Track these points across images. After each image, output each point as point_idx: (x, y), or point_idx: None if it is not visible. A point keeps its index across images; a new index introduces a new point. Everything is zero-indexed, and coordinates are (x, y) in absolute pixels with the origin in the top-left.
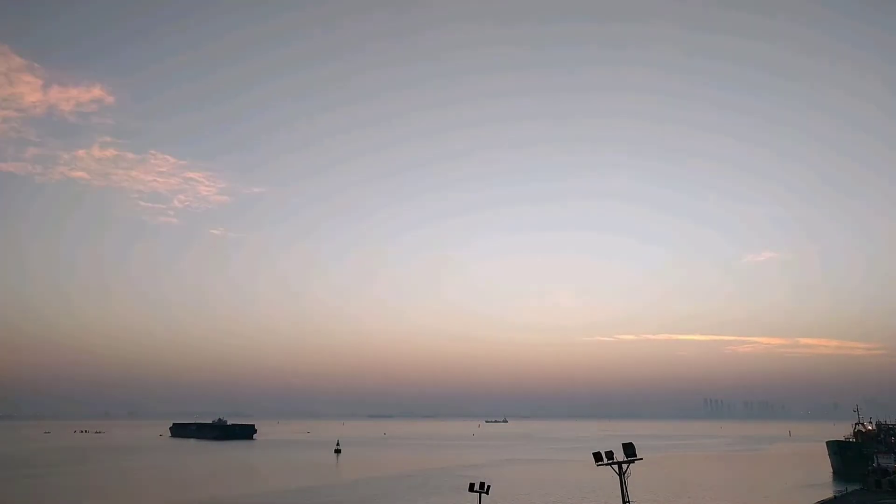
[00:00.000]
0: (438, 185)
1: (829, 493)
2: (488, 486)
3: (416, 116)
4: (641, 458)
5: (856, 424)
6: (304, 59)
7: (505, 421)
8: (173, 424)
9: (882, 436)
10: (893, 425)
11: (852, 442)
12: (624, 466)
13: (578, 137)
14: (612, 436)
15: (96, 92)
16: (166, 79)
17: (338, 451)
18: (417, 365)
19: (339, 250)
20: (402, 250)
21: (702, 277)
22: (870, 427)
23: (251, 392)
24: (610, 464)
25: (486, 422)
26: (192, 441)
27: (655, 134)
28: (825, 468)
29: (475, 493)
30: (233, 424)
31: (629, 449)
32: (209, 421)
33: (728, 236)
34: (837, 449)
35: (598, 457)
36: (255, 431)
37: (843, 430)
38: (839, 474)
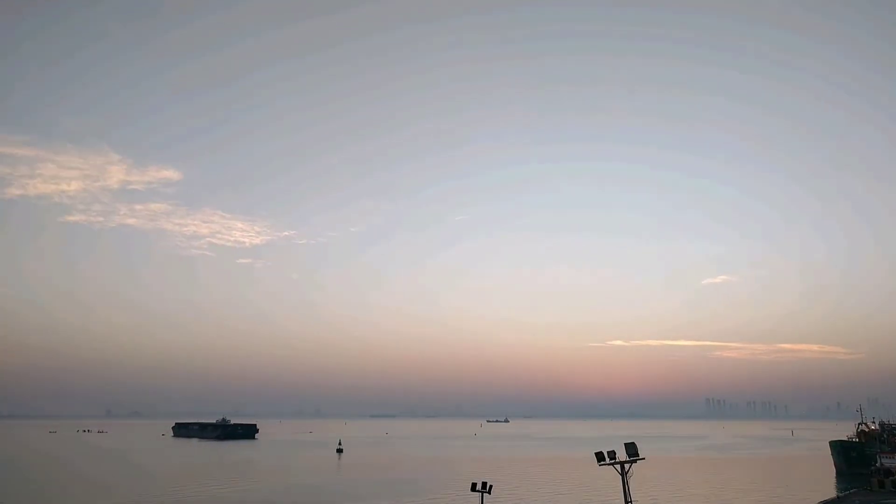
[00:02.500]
0: (438, 189)
1: (831, 493)
2: (490, 486)
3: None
4: (644, 458)
5: (859, 424)
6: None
7: (506, 421)
8: (175, 424)
9: (885, 436)
10: None
11: (855, 442)
12: (626, 466)
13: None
14: (613, 436)
15: (168, 173)
16: (224, 158)
17: (340, 451)
18: (419, 365)
19: (347, 259)
20: (405, 257)
21: (678, 291)
22: (873, 427)
23: (254, 392)
24: (612, 464)
25: (488, 421)
26: (193, 441)
27: (652, 138)
28: (828, 468)
29: (477, 493)
30: (234, 424)
31: (631, 448)
32: (212, 420)
33: (695, 261)
34: (840, 449)
35: (600, 456)
36: (257, 431)
37: (845, 430)
38: (842, 474)
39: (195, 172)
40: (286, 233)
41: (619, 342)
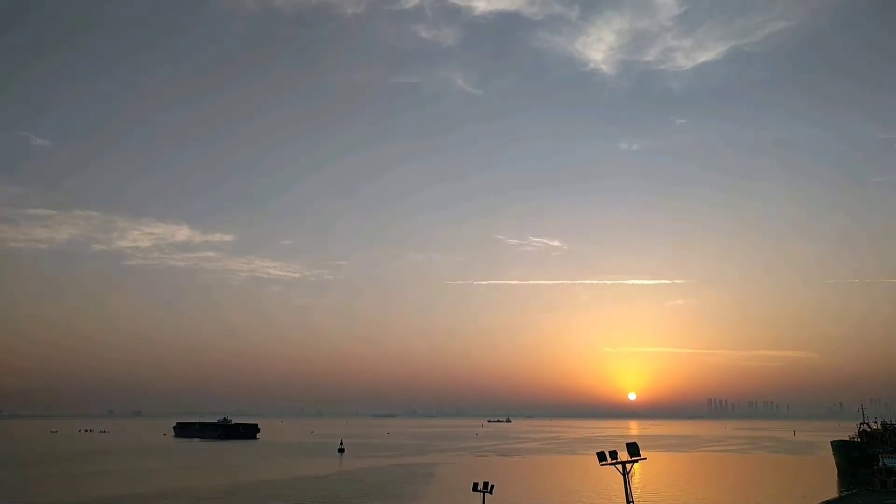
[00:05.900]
0: (440, 195)
1: (833, 494)
2: (492, 486)
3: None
4: (645, 458)
5: (861, 424)
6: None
7: (508, 420)
8: (177, 424)
9: (887, 436)
10: None
11: (857, 442)
12: (628, 466)
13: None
14: (614, 436)
15: (225, 237)
16: (272, 220)
17: (341, 451)
18: (420, 365)
19: (351, 262)
20: (408, 258)
21: (658, 304)
22: (875, 427)
23: (255, 391)
24: (614, 463)
25: (489, 421)
26: (195, 441)
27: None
28: (830, 468)
29: (479, 493)
30: (236, 424)
31: (633, 448)
32: (214, 420)
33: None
34: (842, 449)
35: (601, 456)
36: (259, 431)
37: (847, 430)
38: (844, 474)
39: (246, 233)
40: (317, 270)
41: (608, 349)
